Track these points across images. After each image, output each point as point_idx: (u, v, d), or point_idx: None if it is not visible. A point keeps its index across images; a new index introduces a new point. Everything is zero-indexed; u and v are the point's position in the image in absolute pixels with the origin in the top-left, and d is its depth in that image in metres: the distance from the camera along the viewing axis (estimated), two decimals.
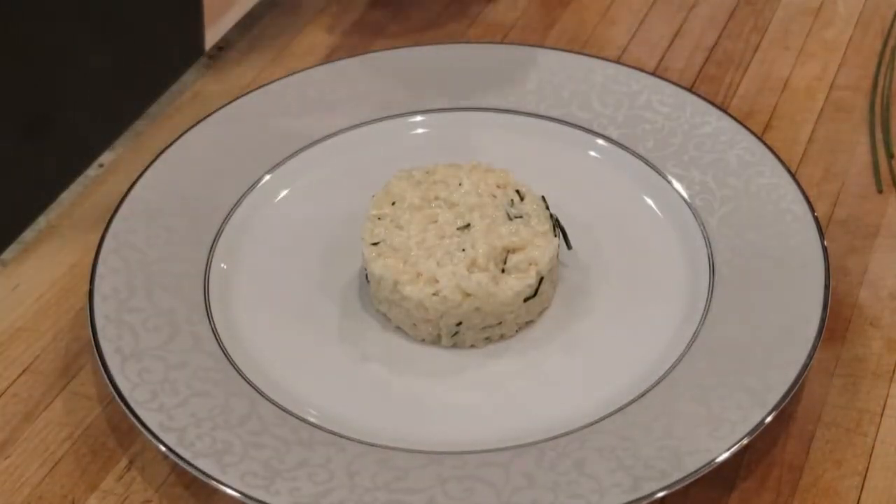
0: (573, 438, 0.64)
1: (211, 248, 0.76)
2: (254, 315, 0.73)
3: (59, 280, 0.77)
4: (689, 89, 0.84)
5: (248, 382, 0.68)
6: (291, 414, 0.66)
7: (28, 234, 0.80)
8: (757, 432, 0.63)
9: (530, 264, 0.70)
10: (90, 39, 0.85)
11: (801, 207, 0.74)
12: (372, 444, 0.65)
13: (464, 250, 0.70)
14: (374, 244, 0.72)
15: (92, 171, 0.84)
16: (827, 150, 0.83)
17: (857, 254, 0.76)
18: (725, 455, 0.62)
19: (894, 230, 0.77)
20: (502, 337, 0.71)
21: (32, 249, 0.79)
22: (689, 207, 0.77)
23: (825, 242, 0.72)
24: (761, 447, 0.66)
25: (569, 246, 0.74)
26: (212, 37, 0.95)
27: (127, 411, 0.65)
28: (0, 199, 0.81)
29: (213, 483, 0.62)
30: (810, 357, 0.66)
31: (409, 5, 0.97)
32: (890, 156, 0.82)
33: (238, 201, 0.79)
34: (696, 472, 0.62)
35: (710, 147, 0.79)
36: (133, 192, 0.78)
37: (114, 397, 0.66)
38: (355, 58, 0.87)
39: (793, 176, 0.76)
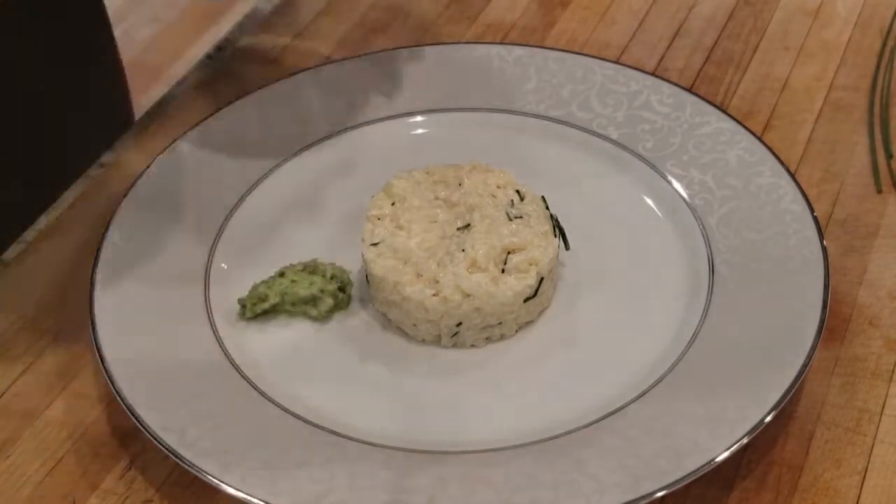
0: (573, 438, 0.64)
1: (211, 247, 0.76)
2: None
3: (59, 280, 0.77)
4: (689, 89, 0.84)
5: (248, 382, 0.68)
6: (291, 414, 0.67)
7: (28, 234, 0.80)
8: (756, 432, 0.63)
9: (530, 265, 0.70)
10: None
11: (801, 207, 0.74)
12: (372, 444, 0.65)
13: (464, 250, 0.70)
14: (375, 245, 0.72)
15: (92, 171, 0.84)
16: (826, 151, 0.83)
17: (857, 253, 0.76)
18: (725, 454, 0.62)
19: (893, 230, 0.77)
20: (502, 337, 0.71)
21: (32, 249, 0.79)
22: (689, 207, 0.77)
23: (824, 242, 0.72)
24: (761, 446, 0.66)
25: (567, 247, 0.74)
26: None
27: (127, 411, 0.66)
28: (0, 199, 0.81)
29: (214, 483, 0.62)
30: (810, 357, 0.66)
31: (409, 5, 0.97)
32: (889, 156, 0.82)
33: (238, 201, 0.79)
34: (695, 471, 0.62)
35: (710, 147, 0.79)
36: (133, 192, 0.78)
37: (114, 397, 0.66)
38: (355, 58, 0.88)
39: (792, 176, 0.76)
